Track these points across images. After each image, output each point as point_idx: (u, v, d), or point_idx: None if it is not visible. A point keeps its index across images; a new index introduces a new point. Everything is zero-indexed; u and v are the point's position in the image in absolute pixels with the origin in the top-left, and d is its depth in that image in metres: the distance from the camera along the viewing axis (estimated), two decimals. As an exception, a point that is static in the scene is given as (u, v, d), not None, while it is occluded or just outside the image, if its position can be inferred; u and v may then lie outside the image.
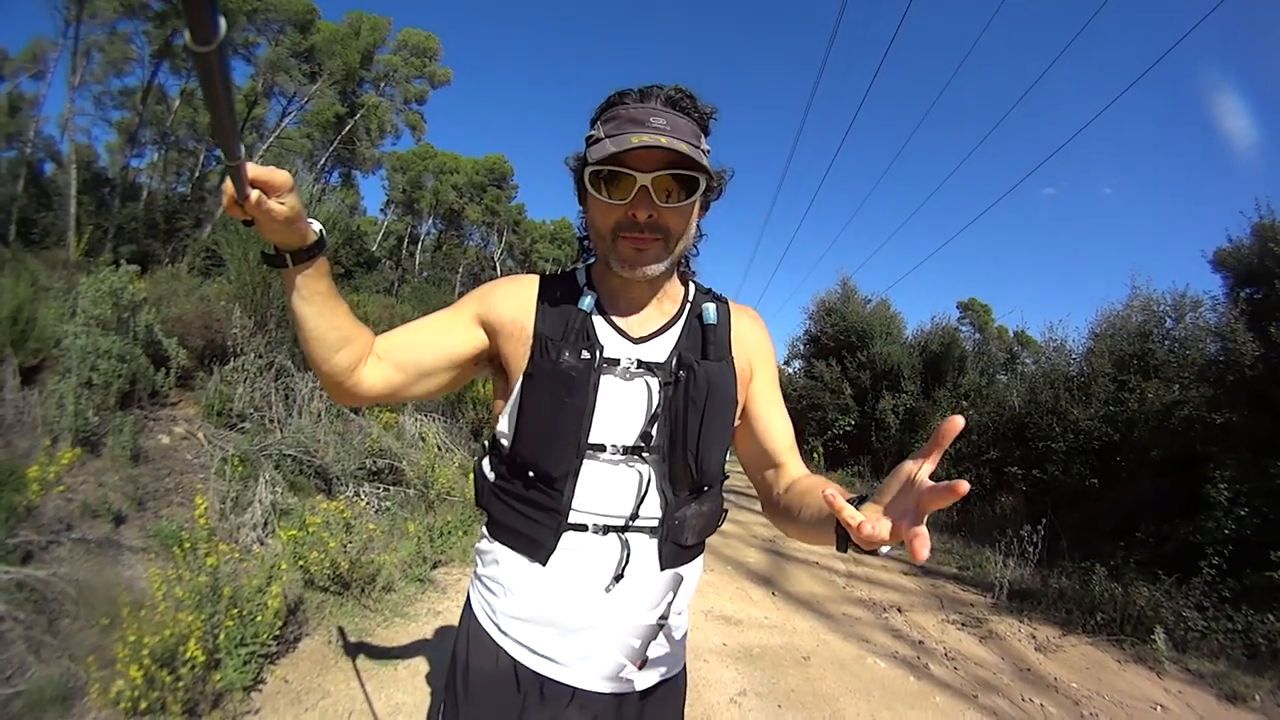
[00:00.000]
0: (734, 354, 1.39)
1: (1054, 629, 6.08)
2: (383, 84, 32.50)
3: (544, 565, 1.27)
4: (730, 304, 1.46)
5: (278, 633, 3.09)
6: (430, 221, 45.61)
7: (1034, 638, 5.80)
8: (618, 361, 1.29)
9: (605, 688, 1.31)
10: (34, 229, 21.09)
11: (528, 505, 1.29)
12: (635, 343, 1.34)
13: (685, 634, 1.47)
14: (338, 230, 11.95)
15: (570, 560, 1.27)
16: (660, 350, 1.34)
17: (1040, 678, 4.89)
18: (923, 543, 0.80)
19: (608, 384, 1.28)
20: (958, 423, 0.84)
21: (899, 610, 6.15)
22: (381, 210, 44.68)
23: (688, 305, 1.42)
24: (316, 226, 1.16)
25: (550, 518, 1.27)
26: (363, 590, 4.04)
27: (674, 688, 1.43)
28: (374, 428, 6.42)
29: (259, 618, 2.92)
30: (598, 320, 1.34)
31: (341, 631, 3.54)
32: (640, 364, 1.30)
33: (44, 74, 25.99)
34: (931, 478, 0.89)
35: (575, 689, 1.29)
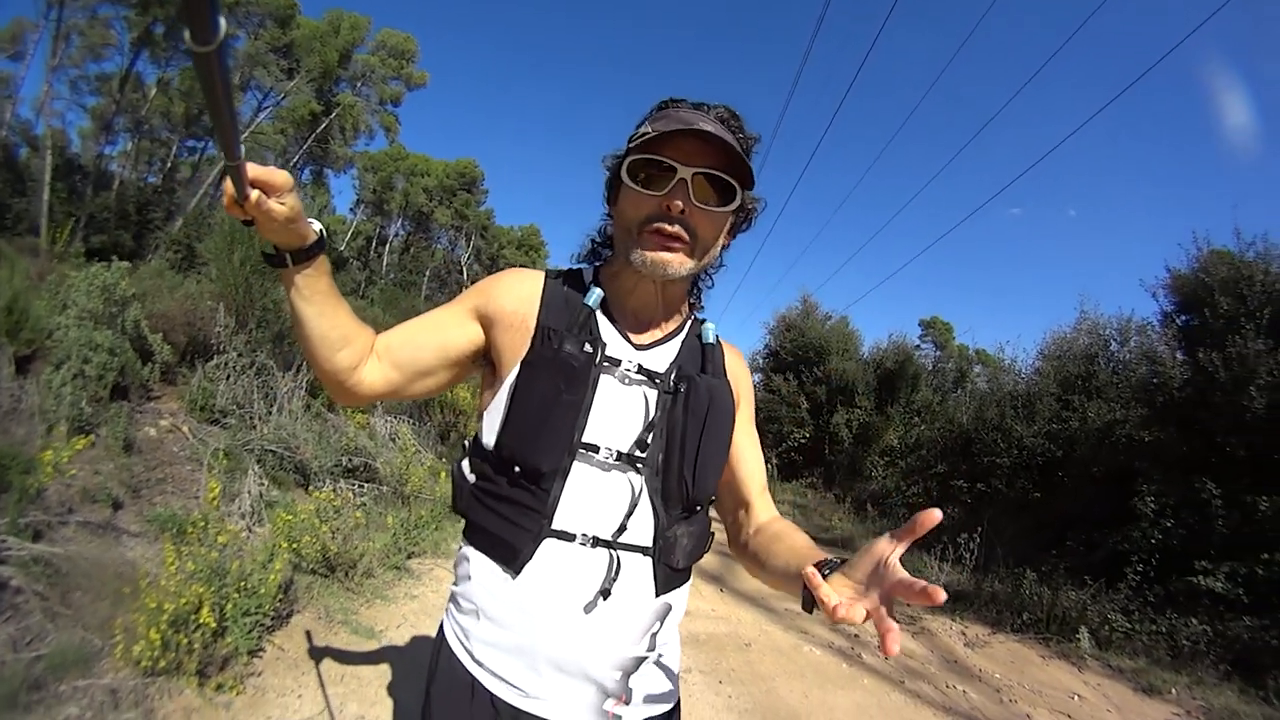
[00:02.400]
0: (728, 378, 1.38)
1: (984, 628, 6.50)
2: (359, 84, 32.31)
3: (515, 576, 1.21)
4: (719, 337, 1.43)
5: (274, 609, 3.43)
6: (399, 223, 45.32)
7: (964, 634, 6.22)
8: (619, 363, 1.25)
9: None
10: (7, 214, 20.87)
11: (509, 506, 1.23)
12: (637, 349, 1.30)
13: (678, 669, 1.41)
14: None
15: (549, 573, 1.20)
16: (660, 360, 1.31)
17: (966, 668, 5.29)
18: (894, 639, 0.82)
19: (607, 384, 1.24)
20: (935, 515, 0.84)
21: (839, 608, 6.49)
22: (351, 210, 44.40)
23: (688, 324, 1.40)
24: (316, 226, 1.16)
25: (532, 520, 1.20)
26: (346, 574, 4.38)
27: None
28: (349, 427, 6.74)
29: (262, 590, 3.27)
30: (601, 319, 1.31)
31: (309, 635, 3.82)
32: (641, 370, 1.27)
33: (22, 55, 25.77)
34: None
35: None
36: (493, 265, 48.19)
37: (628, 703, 1.26)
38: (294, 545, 4.04)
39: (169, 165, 28.97)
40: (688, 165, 1.15)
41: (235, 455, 5.25)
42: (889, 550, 0.91)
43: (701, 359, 1.35)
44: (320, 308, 1.18)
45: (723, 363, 1.38)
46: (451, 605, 1.35)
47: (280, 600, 3.55)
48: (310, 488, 5.65)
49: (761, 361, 21.86)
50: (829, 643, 5.44)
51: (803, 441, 17.63)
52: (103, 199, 21.98)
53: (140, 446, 5.15)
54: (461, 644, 1.28)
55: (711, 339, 1.38)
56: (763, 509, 1.44)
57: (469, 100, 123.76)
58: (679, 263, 1.21)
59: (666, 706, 1.34)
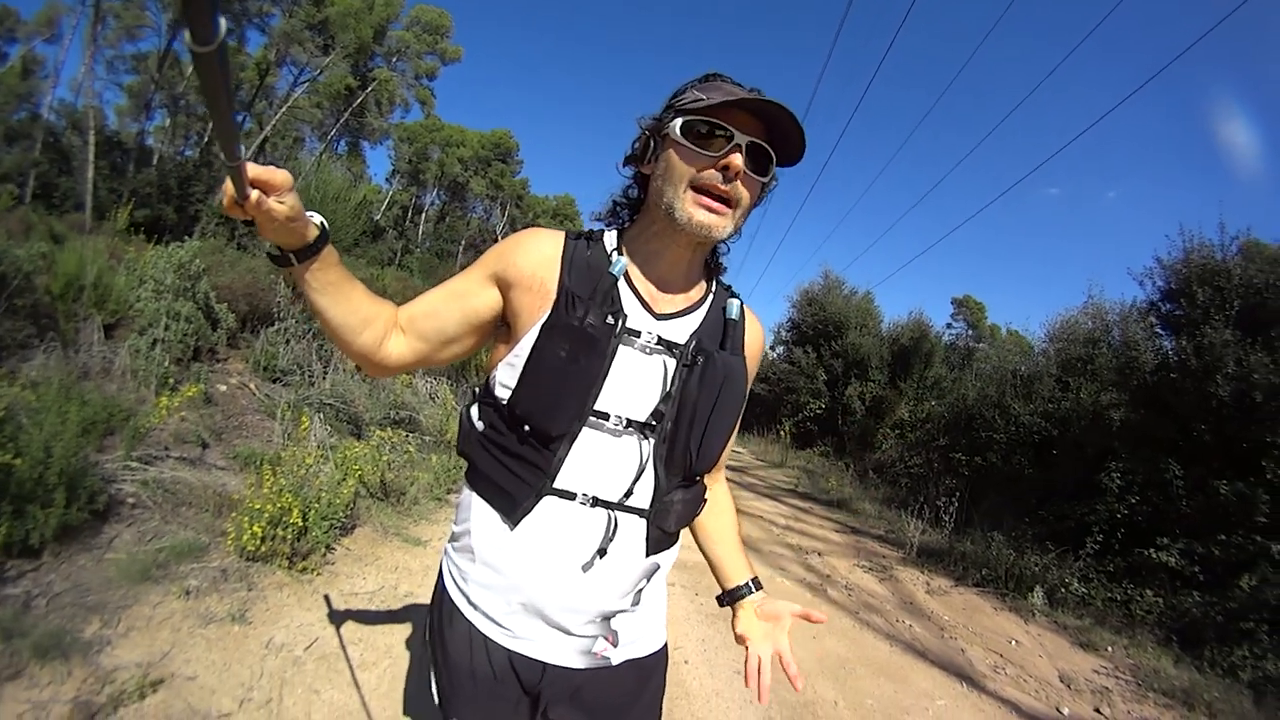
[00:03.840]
0: (744, 355, 1.38)
1: (948, 580, 7.12)
2: (394, 59, 32.91)
3: (513, 527, 1.24)
4: (746, 307, 1.43)
5: (345, 518, 4.38)
6: (435, 193, 46.13)
7: (928, 584, 6.87)
8: (639, 334, 1.26)
9: (578, 663, 1.29)
10: (54, 193, 21.75)
11: (514, 460, 1.25)
12: (658, 319, 1.30)
13: (662, 611, 1.46)
14: (349, 203, 12.80)
15: (547, 528, 1.24)
16: (681, 331, 1.30)
17: (920, 610, 5.95)
18: (793, 677, 1.36)
19: (625, 354, 1.24)
20: (821, 619, 1.40)
21: (819, 554, 7.27)
22: (387, 180, 45.08)
23: (711, 295, 1.39)
24: (317, 220, 1.15)
25: (535, 476, 1.23)
26: (398, 499, 5.37)
27: (655, 664, 1.42)
28: (396, 385, 7.68)
29: (337, 501, 4.22)
30: (624, 288, 1.29)
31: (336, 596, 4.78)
32: (660, 340, 1.27)
33: (58, 38, 26.90)
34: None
35: (545, 664, 1.28)
36: (528, 234, 48.36)
37: (616, 645, 1.31)
38: (358, 473, 4.91)
39: (205, 139, 29.59)
40: (744, 134, 1.18)
41: (299, 408, 6.12)
42: (786, 622, 1.44)
43: (723, 334, 1.35)
44: (334, 298, 1.21)
45: (742, 339, 1.38)
46: (450, 544, 1.40)
47: (348, 514, 4.47)
48: (362, 437, 6.53)
49: (785, 334, 22.57)
50: (801, 578, 6.21)
51: (818, 412, 18.32)
52: (145, 175, 22.55)
53: (217, 400, 6.04)
54: (458, 586, 1.33)
55: (735, 315, 1.38)
56: (718, 477, 1.63)
57: (505, 72, 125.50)
58: (722, 226, 1.22)
59: (654, 647, 1.41)
